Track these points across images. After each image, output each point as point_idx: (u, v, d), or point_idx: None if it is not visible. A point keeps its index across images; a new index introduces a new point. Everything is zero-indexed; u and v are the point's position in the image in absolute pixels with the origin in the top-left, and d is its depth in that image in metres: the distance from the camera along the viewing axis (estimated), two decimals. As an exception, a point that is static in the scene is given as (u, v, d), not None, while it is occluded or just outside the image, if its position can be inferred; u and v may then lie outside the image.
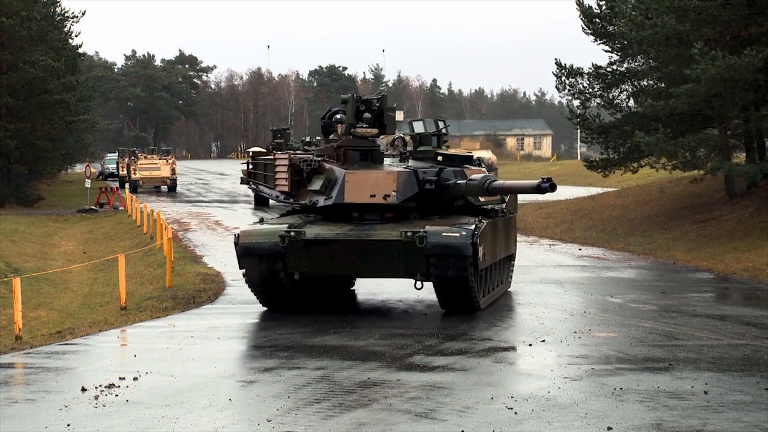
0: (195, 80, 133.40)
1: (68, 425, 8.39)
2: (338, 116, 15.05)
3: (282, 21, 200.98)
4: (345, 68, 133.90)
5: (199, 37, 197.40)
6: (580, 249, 24.76)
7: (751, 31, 24.74)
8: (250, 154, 16.12)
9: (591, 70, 31.72)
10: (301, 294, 14.47)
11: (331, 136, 15.07)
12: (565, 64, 31.91)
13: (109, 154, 77.00)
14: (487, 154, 65.99)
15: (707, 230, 25.32)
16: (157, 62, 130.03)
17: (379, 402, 9.15)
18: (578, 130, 46.54)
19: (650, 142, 25.59)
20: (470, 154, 15.42)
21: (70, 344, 12.80)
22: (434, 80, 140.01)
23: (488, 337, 12.53)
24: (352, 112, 14.77)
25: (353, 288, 17.06)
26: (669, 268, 20.90)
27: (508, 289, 16.77)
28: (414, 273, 13.45)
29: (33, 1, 44.11)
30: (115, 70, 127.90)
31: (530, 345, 11.94)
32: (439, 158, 14.61)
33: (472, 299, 13.65)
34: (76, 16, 51.60)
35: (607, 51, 31.83)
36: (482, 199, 14.62)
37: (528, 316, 14.13)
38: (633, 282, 19.31)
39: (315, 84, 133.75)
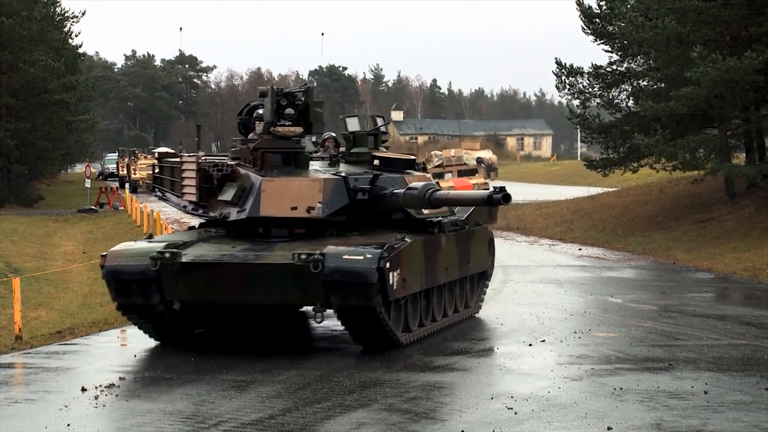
0: (195, 80, 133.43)
1: (68, 425, 8.39)
2: (259, 111, 12.71)
3: (282, 21, 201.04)
4: (345, 68, 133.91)
5: (199, 37, 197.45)
6: (580, 249, 24.76)
7: (751, 32, 24.76)
8: (156, 155, 13.82)
9: (591, 70, 31.74)
10: (199, 325, 12.34)
11: (251, 136, 12.53)
12: (565, 64, 31.94)
13: (109, 154, 77.02)
14: (487, 154, 66.09)
15: (707, 230, 25.33)
16: (157, 62, 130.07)
17: (379, 402, 9.15)
18: (578, 130, 46.61)
19: (650, 143, 25.61)
20: (412, 157, 12.91)
21: (70, 344, 12.80)
22: (434, 80, 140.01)
23: (488, 337, 12.54)
24: (271, 108, 12.17)
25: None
26: (669, 268, 20.91)
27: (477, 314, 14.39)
28: (312, 303, 10.93)
29: (33, 1, 44.13)
30: (115, 70, 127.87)
31: (530, 345, 11.94)
32: (376, 162, 12.41)
33: (386, 334, 11.14)
34: (76, 16, 51.65)
35: (607, 51, 31.87)
36: (426, 212, 12.36)
37: (528, 316, 14.13)
38: (633, 282, 19.32)
39: (315, 84, 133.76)
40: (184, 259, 11.19)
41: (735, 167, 26.31)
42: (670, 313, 14.55)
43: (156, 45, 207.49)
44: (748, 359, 11.05)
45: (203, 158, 12.28)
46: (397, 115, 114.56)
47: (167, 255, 11.18)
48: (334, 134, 13.28)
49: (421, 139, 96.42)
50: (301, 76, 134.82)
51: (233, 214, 11.75)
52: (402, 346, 11.43)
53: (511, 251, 24.16)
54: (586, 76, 31.88)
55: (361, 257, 10.58)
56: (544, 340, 12.23)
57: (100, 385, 9.78)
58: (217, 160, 12.11)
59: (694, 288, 17.81)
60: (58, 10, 50.90)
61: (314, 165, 12.30)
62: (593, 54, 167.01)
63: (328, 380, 10.09)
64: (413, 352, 11.53)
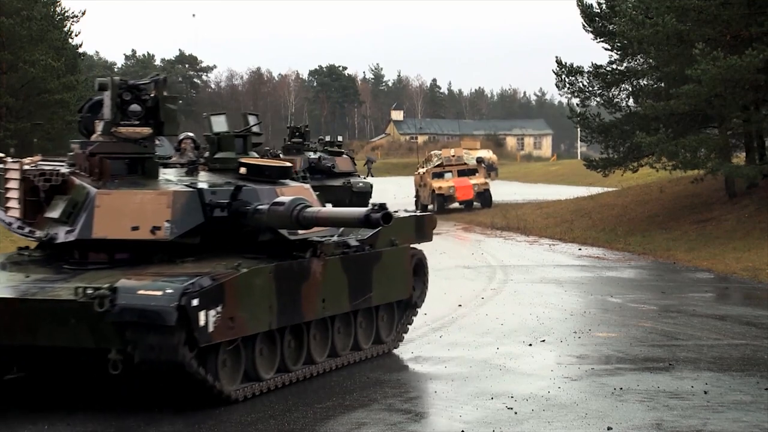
0: (195, 80, 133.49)
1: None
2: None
3: (282, 21, 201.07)
4: (345, 68, 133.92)
5: (199, 37, 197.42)
6: (580, 249, 24.76)
7: (751, 31, 24.75)
8: None
9: (591, 69, 31.74)
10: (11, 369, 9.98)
11: (93, 137, 10.13)
12: (565, 63, 31.92)
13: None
14: (487, 154, 66.00)
15: (707, 230, 25.32)
16: (157, 62, 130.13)
17: (379, 402, 9.16)
18: (578, 130, 46.60)
19: (651, 142, 25.61)
20: (288, 164, 10.69)
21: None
22: (434, 80, 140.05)
23: (488, 337, 12.53)
24: (112, 104, 9.88)
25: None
26: (669, 268, 20.90)
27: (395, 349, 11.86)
28: (108, 349, 8.53)
29: (33, 1, 44.11)
30: (115, 70, 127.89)
31: (530, 345, 11.94)
32: (243, 170, 10.16)
33: (208, 389, 8.84)
34: (76, 16, 51.53)
35: (607, 49, 31.85)
36: (302, 231, 9.98)
37: (528, 316, 14.12)
38: (633, 282, 19.32)
39: (315, 84, 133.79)
40: None
41: (735, 167, 26.30)
42: (670, 313, 14.55)
43: (156, 45, 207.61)
44: (748, 359, 11.05)
45: (32, 164, 9.96)
46: (397, 115, 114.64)
47: None
48: (192, 135, 11.38)
49: (421, 139, 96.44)
50: (301, 76, 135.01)
51: (61, 235, 9.45)
52: (235, 401, 9.07)
53: (511, 251, 24.17)
54: (586, 75, 31.86)
55: (159, 292, 8.33)
56: (544, 340, 12.23)
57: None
58: (47, 167, 9.85)
59: (694, 288, 17.81)
60: (58, 9, 50.82)
61: (167, 174, 10.10)
62: (593, 53, 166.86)
63: (328, 380, 10.09)
64: (413, 352, 11.53)
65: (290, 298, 9.63)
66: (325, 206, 10.40)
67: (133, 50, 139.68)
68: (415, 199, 39.02)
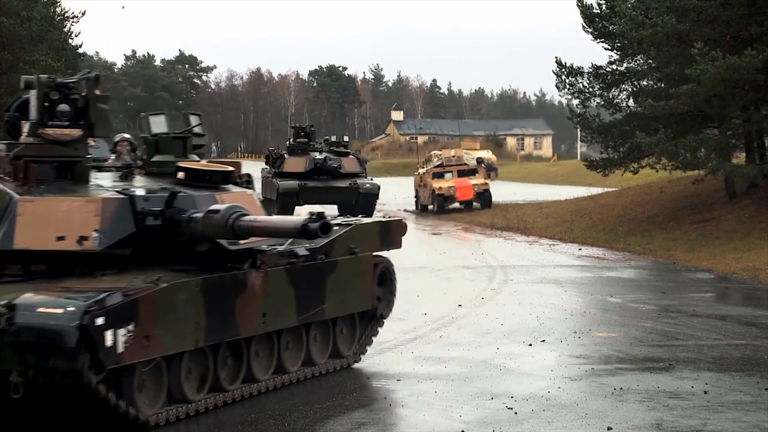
0: (195, 80, 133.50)
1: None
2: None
3: (282, 20, 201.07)
4: (345, 68, 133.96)
5: (199, 37, 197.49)
6: (580, 249, 24.76)
7: (751, 31, 24.77)
8: None
9: (591, 70, 31.74)
10: None
11: (21, 139, 9.39)
12: (565, 63, 31.92)
13: (109, 154, 77.01)
14: (487, 154, 65.94)
15: (707, 230, 25.32)
16: (157, 62, 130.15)
17: (379, 402, 9.16)
18: (578, 130, 46.59)
19: (651, 142, 25.62)
20: (230, 168, 9.83)
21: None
22: (434, 80, 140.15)
23: (488, 337, 12.53)
24: (38, 103, 9.18)
25: None
26: (669, 268, 20.91)
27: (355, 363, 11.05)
28: (9, 371, 7.83)
29: (33, 1, 44.13)
30: (115, 70, 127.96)
31: (530, 345, 11.95)
32: (181, 175, 9.46)
33: (123, 414, 8.09)
34: (76, 16, 51.55)
35: (607, 50, 31.86)
36: (244, 241, 9.14)
37: (528, 316, 14.13)
38: (633, 282, 19.32)
39: (315, 84, 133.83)
40: None
41: (735, 167, 26.32)
42: (670, 313, 14.56)
43: (156, 45, 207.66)
44: (748, 359, 11.06)
45: None
46: (397, 115, 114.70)
47: None
48: (128, 136, 10.45)
49: (421, 139, 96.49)
50: (301, 76, 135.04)
51: None
52: (151, 426, 8.29)
53: (511, 251, 24.17)
54: (586, 75, 31.86)
55: (60, 310, 7.60)
56: (544, 340, 12.23)
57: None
58: None
59: (694, 288, 17.81)
60: (58, 10, 50.86)
61: (100, 179, 9.32)
62: (593, 54, 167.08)
63: (328, 380, 10.09)
64: (413, 353, 11.54)
65: (222, 313, 8.85)
66: (271, 214, 9.86)
67: (133, 50, 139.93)
68: (415, 199, 39.02)
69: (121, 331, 7.83)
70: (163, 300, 8.19)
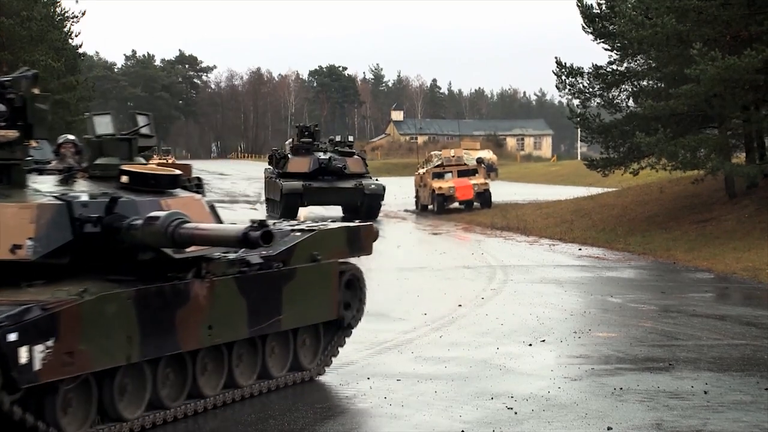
0: (195, 80, 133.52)
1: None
2: None
3: (282, 20, 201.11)
4: (345, 68, 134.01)
5: (199, 37, 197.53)
6: (580, 249, 24.76)
7: (751, 31, 24.77)
8: None
9: (591, 70, 31.74)
10: None
11: None
12: (565, 63, 31.92)
13: (109, 154, 76.95)
14: (487, 155, 65.91)
15: (707, 230, 25.32)
16: (157, 62, 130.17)
17: (379, 402, 9.16)
18: (578, 130, 46.60)
19: (651, 142, 25.62)
20: (177, 172, 9.22)
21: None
22: (434, 80, 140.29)
23: (488, 337, 12.53)
24: None
25: None
26: (669, 268, 20.91)
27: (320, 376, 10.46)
28: None
29: (33, 1, 44.14)
30: (115, 70, 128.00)
31: (530, 345, 11.95)
32: (124, 179, 8.86)
33: None
34: (76, 16, 51.58)
35: (607, 50, 31.86)
36: (189, 249, 8.57)
37: (528, 316, 14.13)
38: (633, 282, 19.32)
39: (315, 84, 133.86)
40: None
41: (735, 166, 26.32)
42: (670, 313, 14.56)
43: (156, 45, 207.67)
44: (748, 359, 11.06)
45: None
46: (397, 116, 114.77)
47: None
48: (73, 138, 9.97)
49: (421, 139, 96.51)
50: (301, 76, 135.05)
51: None
52: None
53: (511, 251, 24.17)
54: (586, 76, 31.85)
55: None
56: (544, 340, 12.23)
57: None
58: None
59: (694, 288, 17.81)
60: (58, 10, 50.87)
61: (39, 183, 8.66)
62: (593, 54, 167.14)
63: (328, 381, 10.09)
64: (413, 353, 11.54)
65: (160, 326, 8.27)
66: (220, 222, 9.28)
67: (133, 50, 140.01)
68: (415, 199, 39.02)
69: (38, 348, 7.27)
70: (88, 313, 7.60)
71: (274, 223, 10.31)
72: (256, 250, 8.91)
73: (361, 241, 10.87)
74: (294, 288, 9.69)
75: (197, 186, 9.72)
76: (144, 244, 8.29)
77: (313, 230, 10.19)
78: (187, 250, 8.44)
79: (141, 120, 9.82)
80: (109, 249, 8.32)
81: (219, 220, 9.41)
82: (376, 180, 33.44)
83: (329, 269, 10.32)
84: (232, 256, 9.16)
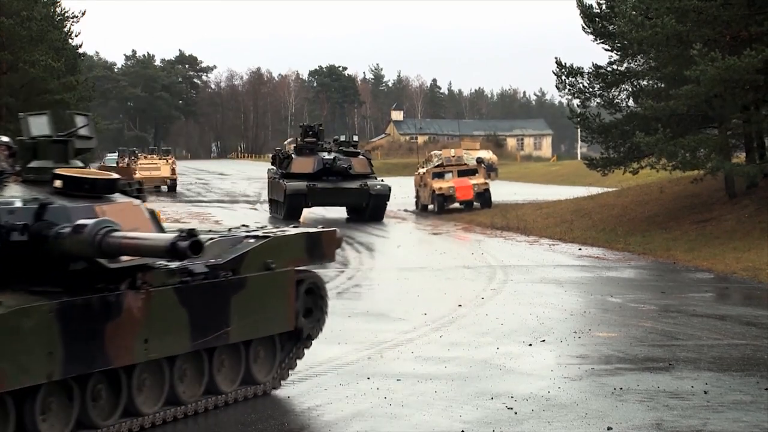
0: (195, 80, 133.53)
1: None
2: None
3: (282, 20, 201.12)
4: (345, 68, 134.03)
5: (199, 37, 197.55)
6: (580, 249, 24.76)
7: (751, 31, 24.76)
8: None
9: (591, 70, 31.73)
10: None
11: None
12: (565, 64, 31.91)
13: (109, 154, 77.05)
14: (487, 154, 65.90)
15: (707, 230, 25.32)
16: (157, 62, 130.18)
17: (379, 402, 9.16)
18: (578, 130, 46.60)
19: (650, 142, 25.62)
20: (115, 177, 8.59)
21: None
22: (434, 80, 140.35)
23: (488, 337, 12.52)
24: None
25: None
26: (669, 268, 20.91)
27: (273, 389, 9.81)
28: None
29: (33, 1, 44.13)
30: (115, 70, 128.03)
31: (530, 345, 11.95)
32: (57, 183, 8.28)
33: None
34: (76, 16, 51.58)
35: (607, 50, 31.86)
36: (126, 259, 8.03)
37: (528, 316, 14.13)
38: (633, 282, 19.32)
39: (315, 84, 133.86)
40: None
41: (735, 166, 26.31)
42: (670, 313, 14.56)
43: (156, 45, 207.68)
44: (748, 359, 11.06)
45: None
46: (397, 116, 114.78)
47: None
48: (7, 139, 9.26)
49: (421, 139, 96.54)
50: (301, 76, 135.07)
51: None
52: None
53: (511, 251, 24.17)
54: (586, 75, 31.85)
55: None
56: (544, 340, 12.23)
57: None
58: None
59: (694, 288, 17.81)
60: (58, 10, 50.88)
61: None
62: (593, 54, 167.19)
63: (327, 381, 10.09)
64: (413, 353, 11.54)
65: (87, 340, 7.69)
66: (161, 229, 8.73)
67: (133, 50, 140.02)
68: (415, 199, 39.02)
69: None
70: (2, 328, 7.08)
71: (230, 229, 9.90)
72: (201, 260, 8.45)
73: (323, 248, 10.21)
74: (244, 298, 9.09)
75: (138, 191, 9.24)
76: (72, 253, 7.76)
77: (268, 237, 9.52)
78: (124, 259, 7.88)
79: (79, 120, 9.31)
80: (38, 259, 7.79)
81: (160, 228, 8.78)
82: (382, 180, 33.07)
83: (284, 278, 9.64)
84: (173, 265, 8.44)
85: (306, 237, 10.00)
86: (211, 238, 9.10)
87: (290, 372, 10.00)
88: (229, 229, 9.87)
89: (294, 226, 11.02)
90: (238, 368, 9.31)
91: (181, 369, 8.68)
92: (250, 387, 9.43)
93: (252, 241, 9.35)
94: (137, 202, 8.69)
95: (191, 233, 7.31)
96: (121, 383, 8.10)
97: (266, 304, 9.39)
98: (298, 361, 10.10)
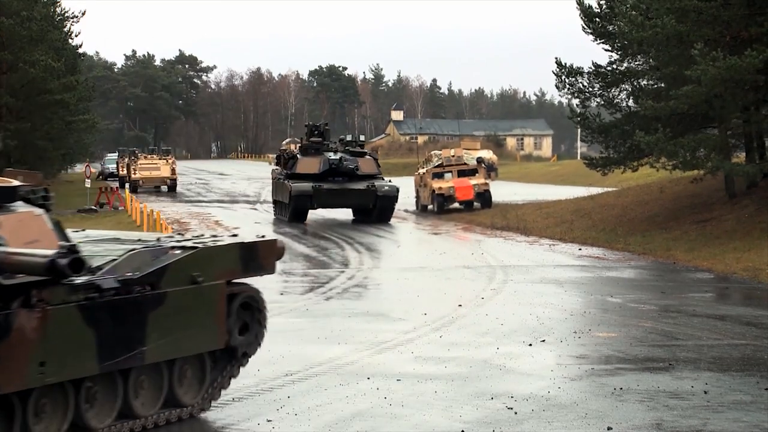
0: (195, 80, 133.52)
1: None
2: None
3: (282, 20, 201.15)
4: (345, 68, 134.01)
5: (199, 37, 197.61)
6: (580, 249, 24.76)
7: (751, 31, 24.76)
8: None
9: (591, 70, 31.73)
10: None
11: None
12: (565, 63, 31.91)
13: (109, 154, 77.11)
14: (487, 154, 65.86)
15: (707, 230, 25.32)
16: (157, 62, 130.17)
17: (379, 402, 9.16)
18: (578, 130, 46.59)
19: (650, 141, 25.62)
20: (13, 184, 8.00)
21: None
22: (434, 80, 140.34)
23: (488, 337, 12.52)
24: None
25: None
26: (669, 268, 20.91)
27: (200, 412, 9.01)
28: None
29: (33, 1, 44.14)
30: (115, 70, 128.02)
31: (530, 345, 11.95)
32: None
33: None
34: (76, 16, 51.65)
35: (607, 50, 31.86)
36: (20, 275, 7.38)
37: (528, 316, 14.13)
38: (633, 282, 19.32)
39: (315, 84, 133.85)
40: None
41: (735, 165, 26.31)
42: (670, 313, 14.56)
43: (156, 45, 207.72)
44: (748, 359, 11.06)
45: None
46: (397, 115, 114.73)
47: None
48: None
49: (421, 139, 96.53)
50: (301, 76, 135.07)
51: None
52: None
53: (511, 251, 24.16)
54: (586, 75, 31.84)
55: None
56: (544, 340, 12.23)
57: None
58: None
59: (694, 288, 17.81)
60: (58, 10, 50.90)
61: None
62: (593, 54, 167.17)
63: (327, 381, 10.10)
64: (413, 353, 11.54)
65: None
66: (66, 240, 8.04)
67: (133, 50, 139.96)
68: (415, 199, 39.01)
69: None
70: None
71: (159, 239, 9.20)
72: (114, 274, 7.96)
73: (259, 260, 9.35)
74: (164, 315, 8.30)
75: (44, 198, 8.36)
76: None
77: (196, 248, 8.69)
78: (18, 275, 7.20)
79: None
80: None
81: (65, 238, 8.08)
82: (389, 181, 32.57)
83: (213, 292, 8.79)
84: (79, 280, 7.59)
85: (240, 247, 9.17)
86: (132, 249, 8.38)
87: (222, 392, 9.20)
88: (158, 239, 9.19)
89: (232, 235, 10.28)
90: (159, 390, 8.53)
91: (91, 393, 7.90)
92: (173, 410, 8.65)
93: (177, 252, 8.58)
94: (39, 211, 8.04)
95: (72, 250, 6.81)
96: (14, 411, 7.34)
97: (191, 321, 8.61)
98: (232, 381, 9.30)
